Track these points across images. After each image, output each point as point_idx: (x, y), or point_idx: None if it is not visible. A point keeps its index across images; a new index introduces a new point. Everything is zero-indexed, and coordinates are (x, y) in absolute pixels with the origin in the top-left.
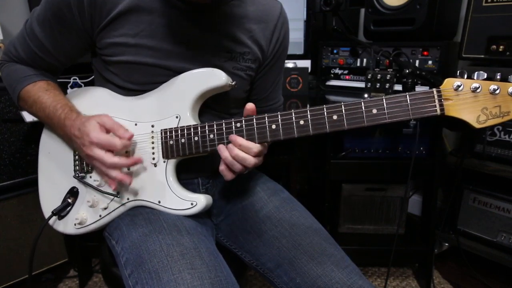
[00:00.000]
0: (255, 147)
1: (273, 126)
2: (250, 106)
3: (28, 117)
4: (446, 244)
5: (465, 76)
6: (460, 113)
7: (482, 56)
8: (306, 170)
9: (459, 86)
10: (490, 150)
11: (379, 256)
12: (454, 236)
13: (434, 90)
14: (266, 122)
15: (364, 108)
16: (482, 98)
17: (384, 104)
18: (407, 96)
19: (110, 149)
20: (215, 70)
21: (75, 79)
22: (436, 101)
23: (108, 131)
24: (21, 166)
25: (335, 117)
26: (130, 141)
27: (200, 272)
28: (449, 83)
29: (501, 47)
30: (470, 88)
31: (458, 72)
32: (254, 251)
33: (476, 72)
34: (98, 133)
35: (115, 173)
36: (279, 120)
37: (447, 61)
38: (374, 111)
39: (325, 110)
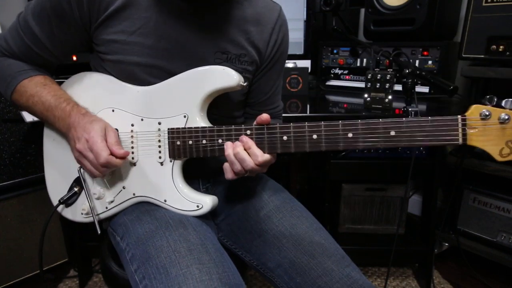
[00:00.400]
0: (261, 156)
1: (285, 138)
2: (265, 116)
3: (28, 117)
4: (446, 244)
5: (494, 101)
6: (483, 144)
7: (482, 56)
8: (306, 170)
9: (487, 116)
10: None
11: (379, 256)
12: (454, 236)
13: (459, 117)
14: (278, 132)
15: (383, 129)
16: (510, 132)
17: (404, 126)
18: (429, 120)
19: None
20: (227, 69)
21: None
22: (460, 129)
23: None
24: (21, 166)
25: (350, 134)
26: (119, 161)
27: (208, 268)
28: (477, 111)
29: (501, 47)
30: (499, 119)
31: (487, 97)
32: (254, 251)
33: (505, 100)
34: (98, 136)
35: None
36: (291, 132)
37: (447, 61)
38: (392, 133)
39: (340, 126)
